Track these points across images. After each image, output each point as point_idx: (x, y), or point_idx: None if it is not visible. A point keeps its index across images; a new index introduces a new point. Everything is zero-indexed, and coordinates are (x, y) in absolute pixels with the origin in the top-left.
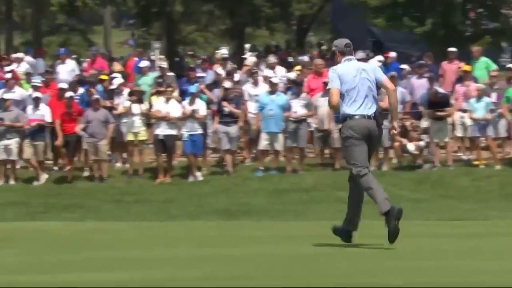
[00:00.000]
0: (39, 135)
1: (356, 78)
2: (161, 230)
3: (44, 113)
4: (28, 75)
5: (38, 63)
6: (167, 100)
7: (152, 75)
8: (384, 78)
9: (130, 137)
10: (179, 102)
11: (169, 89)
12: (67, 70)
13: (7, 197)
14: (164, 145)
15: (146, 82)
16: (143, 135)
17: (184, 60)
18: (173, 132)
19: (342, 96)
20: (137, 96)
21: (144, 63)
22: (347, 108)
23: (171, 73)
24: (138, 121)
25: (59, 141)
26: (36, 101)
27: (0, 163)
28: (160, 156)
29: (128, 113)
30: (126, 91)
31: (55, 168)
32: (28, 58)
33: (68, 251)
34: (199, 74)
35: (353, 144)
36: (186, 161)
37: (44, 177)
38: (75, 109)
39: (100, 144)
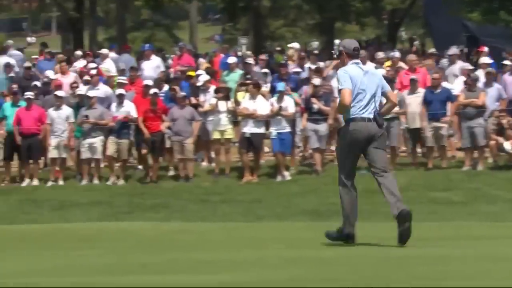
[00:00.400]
0: (124, 133)
1: (363, 81)
2: (248, 231)
3: (129, 109)
4: (122, 71)
5: (126, 59)
6: (254, 97)
7: (239, 72)
8: (389, 90)
9: (216, 135)
10: (267, 99)
11: (250, 85)
12: (152, 66)
13: (91, 196)
14: (251, 143)
15: (233, 78)
16: (229, 133)
17: (273, 56)
18: (261, 130)
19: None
20: (224, 93)
21: (231, 59)
22: (352, 109)
23: (266, 70)
24: (224, 119)
25: (146, 136)
26: (120, 98)
27: (84, 162)
28: (246, 154)
29: (214, 110)
30: (212, 88)
31: (139, 167)
32: (112, 54)
33: (153, 252)
34: (296, 69)
35: (347, 152)
36: (273, 160)
37: (113, 179)
38: (159, 106)
39: (185, 142)
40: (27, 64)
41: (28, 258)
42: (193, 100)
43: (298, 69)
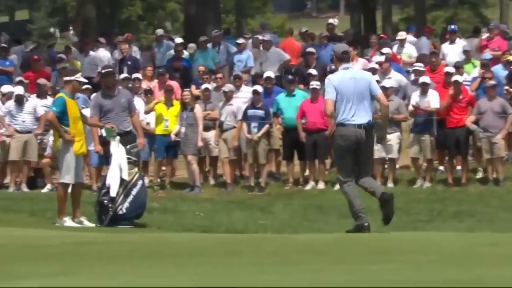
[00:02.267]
0: (425, 128)
1: (350, 88)
2: None
3: (431, 99)
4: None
5: (422, 43)
6: None
7: None
8: (379, 93)
9: None
10: None
11: None
12: (456, 50)
13: None
14: None
15: None
16: None
17: None
18: None
19: (337, 103)
20: None
21: None
22: (341, 116)
23: None
24: None
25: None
26: (423, 87)
27: (378, 161)
28: None
29: None
30: None
31: (441, 168)
32: (410, 37)
33: (457, 267)
34: None
35: (342, 153)
36: None
37: (425, 183)
38: (464, 97)
39: (495, 139)
40: (311, 49)
41: (315, 272)
42: (505, 91)
43: None
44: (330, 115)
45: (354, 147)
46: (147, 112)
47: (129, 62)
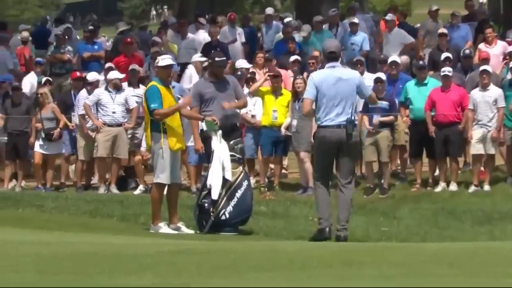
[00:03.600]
0: None
1: (333, 87)
2: None
3: None
4: None
5: None
6: None
7: None
8: (369, 94)
9: None
10: None
11: None
12: None
13: None
14: None
15: None
16: None
17: None
18: None
19: (318, 103)
20: None
21: None
22: (321, 116)
23: None
24: None
25: None
26: None
27: None
28: None
29: None
30: None
31: None
32: None
33: None
34: None
35: (319, 154)
36: None
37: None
38: None
39: None
40: (443, 30)
41: (446, 286)
42: None
43: None
44: (307, 114)
45: (335, 147)
46: (251, 94)
47: (218, 49)
